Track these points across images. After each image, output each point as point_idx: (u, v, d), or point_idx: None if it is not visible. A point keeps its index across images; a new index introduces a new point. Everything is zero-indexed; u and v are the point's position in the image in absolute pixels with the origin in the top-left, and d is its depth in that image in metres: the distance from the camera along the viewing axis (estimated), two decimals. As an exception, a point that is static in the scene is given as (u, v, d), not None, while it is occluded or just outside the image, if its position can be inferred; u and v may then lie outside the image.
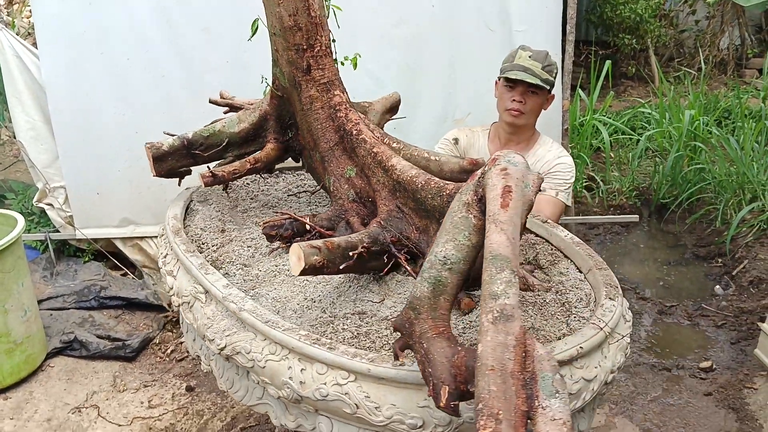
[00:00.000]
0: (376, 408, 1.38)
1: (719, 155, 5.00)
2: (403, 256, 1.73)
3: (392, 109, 2.43)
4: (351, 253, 1.60)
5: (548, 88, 2.72)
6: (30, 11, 8.37)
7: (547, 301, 1.70)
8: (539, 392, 1.05)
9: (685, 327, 3.84)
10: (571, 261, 1.92)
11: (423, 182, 1.70)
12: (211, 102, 2.66)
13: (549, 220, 2.26)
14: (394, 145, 2.03)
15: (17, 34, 3.96)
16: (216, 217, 2.23)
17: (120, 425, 3.02)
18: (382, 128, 2.32)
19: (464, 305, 1.68)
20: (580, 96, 5.51)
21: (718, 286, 4.22)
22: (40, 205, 3.98)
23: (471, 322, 1.63)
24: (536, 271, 1.90)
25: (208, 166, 2.17)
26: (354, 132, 1.96)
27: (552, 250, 2.00)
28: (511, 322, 1.13)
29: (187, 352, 3.48)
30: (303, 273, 1.53)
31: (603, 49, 8.19)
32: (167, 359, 3.47)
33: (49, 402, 3.15)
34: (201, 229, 2.17)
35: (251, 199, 2.41)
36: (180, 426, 2.99)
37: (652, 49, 7.95)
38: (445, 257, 1.31)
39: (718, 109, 6.01)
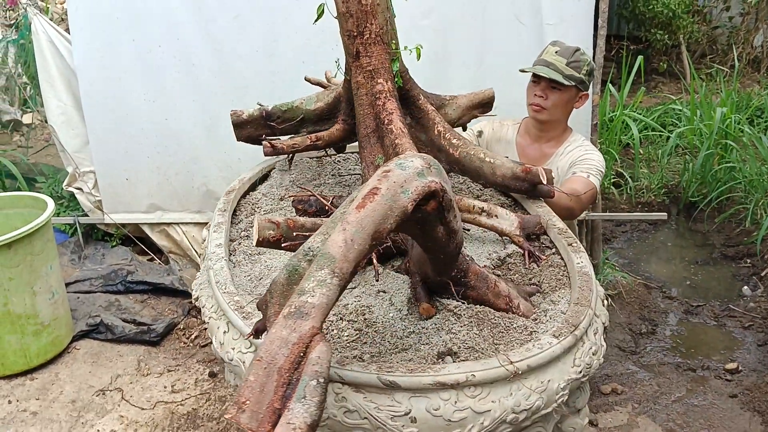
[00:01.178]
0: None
1: (750, 154, 4.92)
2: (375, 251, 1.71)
3: (482, 105, 2.41)
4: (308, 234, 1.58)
5: (573, 84, 2.70)
6: (63, -3, 8.47)
7: (516, 325, 1.66)
8: (293, 394, 1.05)
9: (712, 327, 3.79)
10: (570, 290, 1.87)
11: None
12: (306, 80, 2.90)
13: (573, 209, 2.57)
14: (454, 141, 2.08)
15: (51, 20, 4.00)
16: (285, 186, 2.39)
17: (143, 409, 3.05)
18: (465, 123, 2.38)
19: (422, 310, 1.71)
20: (610, 91, 5.45)
21: (746, 287, 4.16)
22: (70, 189, 4.03)
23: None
24: (536, 294, 1.87)
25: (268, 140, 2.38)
26: (386, 121, 2.00)
27: (561, 275, 1.96)
28: (304, 321, 1.13)
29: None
30: (258, 244, 1.58)
31: (634, 44, 8.09)
32: (191, 345, 3.50)
33: (74, 384, 3.20)
34: (263, 194, 2.43)
35: (332, 175, 2.61)
36: (202, 411, 3.02)
37: (685, 45, 7.82)
38: (309, 248, 1.34)
39: (751, 108, 5.91)
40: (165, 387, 3.20)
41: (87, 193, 3.96)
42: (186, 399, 3.11)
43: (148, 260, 4.09)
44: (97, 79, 3.62)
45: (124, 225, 3.97)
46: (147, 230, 3.97)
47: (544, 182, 2.00)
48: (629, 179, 5.11)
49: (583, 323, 1.57)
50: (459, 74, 3.63)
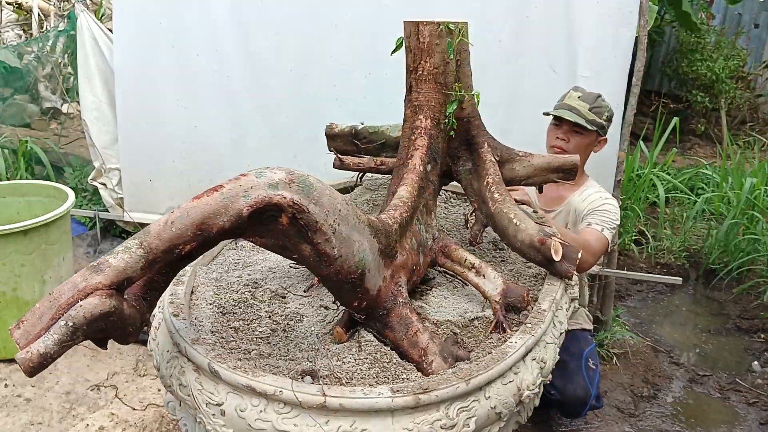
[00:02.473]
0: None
1: (776, 228, 4.85)
2: None
3: (561, 170, 2.29)
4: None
5: (594, 129, 2.76)
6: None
7: (403, 377, 1.63)
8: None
9: (715, 399, 3.72)
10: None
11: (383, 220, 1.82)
12: None
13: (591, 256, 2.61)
14: (496, 195, 2.12)
15: (102, 16, 4.10)
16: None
17: (134, 409, 3.07)
18: (537, 183, 2.34)
19: (335, 333, 1.78)
20: (642, 147, 5.42)
21: (756, 363, 4.08)
22: (94, 183, 4.10)
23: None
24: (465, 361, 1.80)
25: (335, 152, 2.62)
26: (409, 155, 2.07)
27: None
28: (96, 275, 1.27)
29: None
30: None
31: (675, 102, 8.06)
32: None
33: (70, 376, 3.23)
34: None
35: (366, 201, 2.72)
36: (192, 419, 3.03)
37: (725, 110, 7.77)
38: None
39: (783, 181, 5.84)
40: (159, 390, 3.22)
41: (110, 189, 4.03)
42: (177, 405, 3.12)
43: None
44: (134, 79, 3.70)
45: (142, 224, 4.02)
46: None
47: (556, 258, 1.93)
48: (651, 239, 5.06)
49: (437, 392, 1.47)
50: (487, 117, 3.63)
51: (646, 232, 5.10)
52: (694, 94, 7.67)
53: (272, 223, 1.44)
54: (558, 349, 1.82)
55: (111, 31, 3.78)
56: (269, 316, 1.91)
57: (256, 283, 2.12)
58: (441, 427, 1.44)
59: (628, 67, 3.46)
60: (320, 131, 3.71)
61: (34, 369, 1.23)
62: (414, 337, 1.71)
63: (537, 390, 1.65)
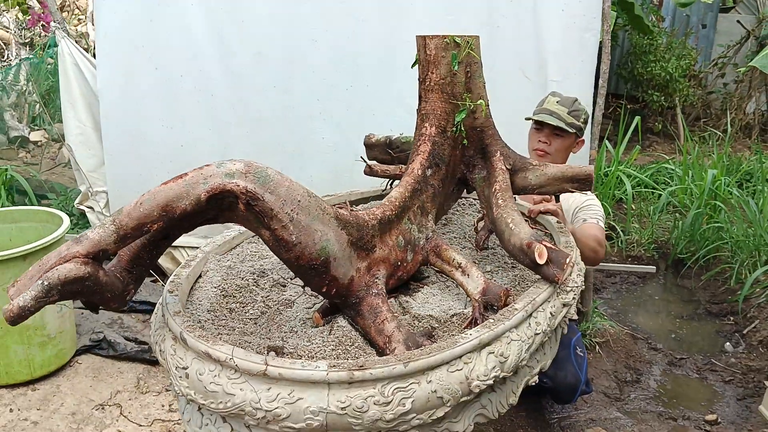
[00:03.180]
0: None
1: (738, 216, 5.10)
2: None
3: (576, 180, 2.29)
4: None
5: (574, 131, 2.95)
6: (78, 20, 8.70)
7: (358, 357, 1.76)
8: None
9: (694, 380, 3.91)
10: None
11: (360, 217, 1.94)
12: None
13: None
14: (500, 201, 2.19)
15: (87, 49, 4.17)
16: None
17: (140, 425, 3.13)
18: (550, 193, 2.37)
19: (314, 317, 1.97)
20: (607, 147, 5.64)
21: (728, 344, 4.29)
22: (81, 207, 4.15)
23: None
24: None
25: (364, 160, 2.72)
26: (412, 160, 2.19)
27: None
28: (76, 245, 1.50)
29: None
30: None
31: (631, 103, 8.35)
32: None
33: (74, 397, 3.28)
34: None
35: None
36: None
37: (680, 107, 8.09)
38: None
39: (740, 171, 6.12)
40: (163, 405, 3.28)
41: (98, 212, 4.08)
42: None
43: (151, 281, 4.19)
44: (118, 102, 3.77)
45: (131, 245, 4.08)
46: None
47: (540, 262, 1.94)
48: (621, 233, 5.27)
49: (372, 371, 1.57)
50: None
51: (616, 227, 5.31)
52: (650, 94, 7.98)
53: (234, 209, 1.63)
54: (532, 350, 1.84)
55: (92, 55, 3.84)
56: (264, 301, 2.09)
57: (263, 272, 2.26)
58: (374, 403, 1.54)
59: (595, 70, 3.66)
60: (305, 144, 3.85)
61: (14, 319, 1.44)
62: (381, 325, 1.82)
63: (490, 381, 1.68)
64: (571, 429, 3.33)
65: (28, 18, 7.63)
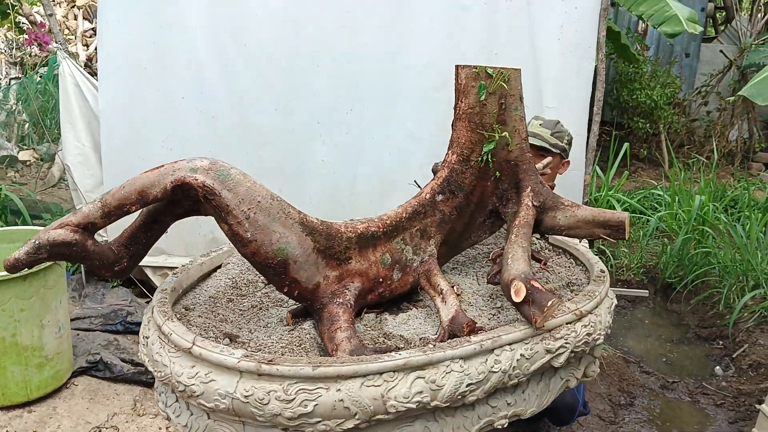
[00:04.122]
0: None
1: (725, 242, 5.19)
2: None
3: (608, 226, 2.18)
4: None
5: (558, 152, 3.04)
6: (68, 40, 8.70)
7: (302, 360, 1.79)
8: None
9: (686, 403, 3.96)
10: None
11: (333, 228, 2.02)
12: None
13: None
14: (512, 236, 2.12)
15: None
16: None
17: (138, 447, 3.12)
18: (580, 236, 2.28)
19: (286, 318, 2.08)
20: (597, 172, 5.73)
21: (718, 367, 4.35)
22: (77, 227, 4.13)
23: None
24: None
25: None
26: (429, 183, 2.25)
27: None
28: (71, 216, 1.76)
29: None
30: None
31: (617, 130, 8.48)
32: None
33: (71, 419, 3.25)
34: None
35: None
36: (198, 452, 3.08)
37: (665, 134, 8.23)
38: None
39: (726, 198, 6.23)
40: (159, 428, 3.26)
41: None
42: (181, 440, 3.18)
43: (146, 302, 4.18)
44: (120, 124, 3.79)
45: (127, 266, 4.07)
46: (149, 273, 4.08)
47: (515, 299, 1.85)
48: (611, 257, 5.34)
49: (279, 367, 1.65)
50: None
51: (606, 251, 5.38)
52: (636, 121, 8.11)
53: (199, 201, 1.83)
54: (486, 388, 1.78)
55: (92, 75, 3.87)
56: (261, 298, 2.21)
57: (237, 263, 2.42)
58: (276, 398, 1.61)
59: (590, 97, 3.74)
60: (305, 166, 3.88)
61: (9, 268, 1.74)
62: (333, 333, 1.88)
63: (412, 405, 1.67)
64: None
65: (24, 37, 7.63)
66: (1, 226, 4.39)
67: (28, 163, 7.16)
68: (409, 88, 3.75)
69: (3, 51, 8.57)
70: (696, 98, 8.96)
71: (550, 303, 1.80)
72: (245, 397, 1.63)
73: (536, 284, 1.85)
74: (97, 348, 3.66)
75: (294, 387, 1.62)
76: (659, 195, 6.24)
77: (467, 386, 1.73)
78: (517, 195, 2.24)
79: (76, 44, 8.28)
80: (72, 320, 3.81)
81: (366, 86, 3.76)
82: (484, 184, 2.24)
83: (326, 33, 3.69)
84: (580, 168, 3.87)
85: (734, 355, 4.41)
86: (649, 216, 5.92)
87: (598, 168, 5.81)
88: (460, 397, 1.73)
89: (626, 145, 5.95)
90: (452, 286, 2.22)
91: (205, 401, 1.69)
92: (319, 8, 3.67)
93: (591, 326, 1.99)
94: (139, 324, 3.86)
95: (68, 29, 8.67)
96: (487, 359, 1.78)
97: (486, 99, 2.10)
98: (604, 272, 2.26)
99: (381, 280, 2.12)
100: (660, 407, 3.90)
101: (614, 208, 5.53)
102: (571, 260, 2.56)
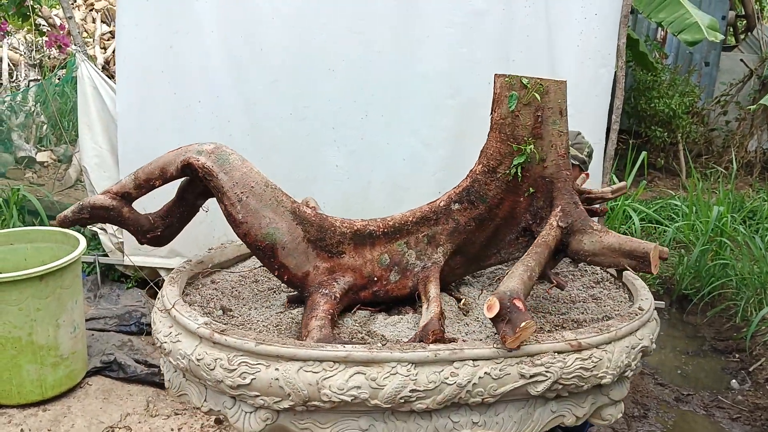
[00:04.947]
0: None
1: (744, 253, 5.14)
2: None
3: (633, 257, 2.03)
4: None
5: (576, 164, 2.97)
6: (86, 43, 8.77)
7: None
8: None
9: (701, 416, 3.92)
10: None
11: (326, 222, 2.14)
12: None
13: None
14: (525, 257, 2.05)
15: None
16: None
17: (150, 448, 3.13)
18: (603, 265, 2.14)
19: (285, 303, 2.23)
20: (614, 181, 5.69)
21: (734, 381, 4.30)
22: (94, 228, 4.16)
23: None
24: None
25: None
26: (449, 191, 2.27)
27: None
28: (113, 186, 2.14)
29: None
30: None
31: (634, 139, 8.43)
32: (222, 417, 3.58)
33: (85, 418, 3.27)
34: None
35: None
36: (208, 455, 3.10)
37: (683, 143, 8.16)
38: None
39: (745, 209, 6.17)
40: (172, 429, 3.27)
41: (110, 234, 4.10)
42: (192, 442, 3.19)
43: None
44: (136, 126, 3.82)
45: (142, 268, 4.09)
46: (164, 274, 4.09)
47: (487, 314, 1.80)
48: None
49: (228, 338, 1.80)
50: (475, 153, 3.83)
51: (622, 261, 5.33)
52: (653, 130, 8.05)
53: (192, 178, 2.09)
54: (438, 399, 1.75)
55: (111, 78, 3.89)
56: (273, 284, 2.39)
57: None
58: (220, 366, 1.75)
59: (609, 105, 3.71)
60: (318, 171, 3.88)
61: (59, 224, 2.11)
62: (308, 320, 1.96)
63: (346, 398, 1.70)
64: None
65: (45, 39, 7.69)
66: (19, 226, 4.43)
67: (45, 164, 7.21)
68: (423, 95, 3.75)
69: (22, 53, 8.65)
70: (715, 107, 8.88)
71: (523, 324, 1.74)
72: (198, 360, 1.80)
73: (518, 304, 1.78)
74: (111, 348, 3.68)
75: (238, 359, 1.75)
76: (676, 205, 6.18)
77: (411, 392, 1.72)
78: (550, 212, 2.16)
79: (93, 47, 8.33)
80: (87, 320, 3.84)
81: (379, 92, 3.76)
82: (515, 199, 2.17)
83: (340, 39, 3.70)
84: (597, 177, 3.85)
85: (751, 369, 4.36)
86: (666, 226, 5.87)
87: (615, 177, 5.77)
88: (402, 401, 1.73)
89: (644, 153, 5.91)
90: (456, 296, 2.23)
91: (172, 359, 1.89)
92: (333, 14, 3.68)
93: (591, 362, 1.86)
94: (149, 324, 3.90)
95: (86, 32, 8.73)
96: (443, 370, 1.75)
97: (519, 110, 2.03)
98: (642, 310, 2.08)
99: (376, 279, 2.15)
100: (674, 420, 3.86)
101: (630, 218, 5.50)
102: (627, 294, 2.40)
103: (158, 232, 2.21)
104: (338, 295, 2.06)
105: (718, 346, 4.74)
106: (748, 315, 4.72)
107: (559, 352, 1.84)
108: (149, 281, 4.17)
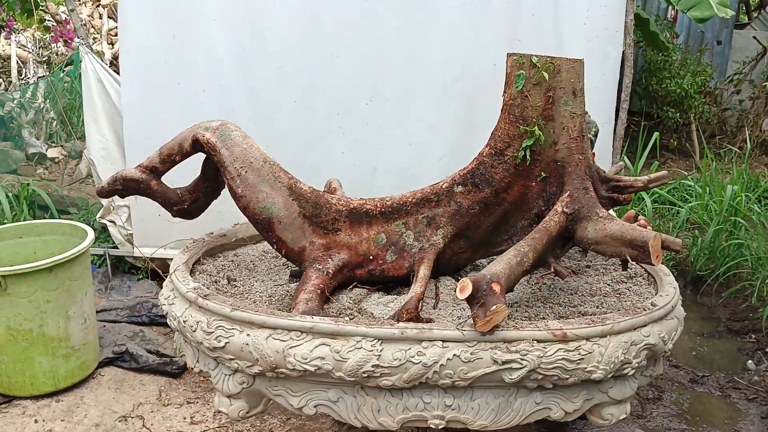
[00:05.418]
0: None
1: (759, 233, 5.07)
2: None
3: (633, 245, 1.94)
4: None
5: None
6: (93, 39, 8.80)
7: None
8: None
9: (716, 397, 3.88)
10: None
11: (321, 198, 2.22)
12: None
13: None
14: (520, 240, 2.03)
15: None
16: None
17: (163, 437, 3.13)
18: (605, 254, 2.08)
19: (289, 277, 2.34)
20: (625, 163, 5.64)
21: (750, 361, 4.25)
22: (103, 221, 4.17)
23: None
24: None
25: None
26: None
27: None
28: (144, 161, 2.34)
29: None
30: None
31: (646, 120, 8.34)
32: (210, 379, 3.59)
33: (98, 408, 3.28)
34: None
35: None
36: (220, 444, 3.10)
37: (695, 124, 8.07)
38: None
39: (760, 188, 6.09)
40: (184, 418, 3.28)
41: (119, 227, 4.11)
42: (204, 431, 3.19)
43: (171, 295, 4.20)
44: (141, 118, 3.81)
45: (152, 259, 4.10)
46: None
47: (459, 296, 1.77)
48: (639, 249, 5.24)
49: (211, 304, 1.94)
50: (483, 137, 3.80)
51: (635, 243, 5.28)
52: (665, 111, 7.95)
53: (204, 154, 2.24)
54: (405, 377, 1.76)
55: (117, 72, 3.89)
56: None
57: None
58: (200, 329, 1.90)
59: (617, 83, 3.66)
60: (325, 159, 3.86)
61: (98, 194, 2.34)
62: (298, 293, 2.03)
63: (309, 368, 1.76)
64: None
65: (50, 35, 7.72)
66: (29, 220, 4.45)
67: (56, 160, 7.24)
68: (429, 80, 3.72)
69: (31, 50, 8.68)
70: (728, 87, 8.76)
71: (494, 307, 1.71)
72: (184, 322, 1.95)
73: (495, 287, 1.75)
74: (122, 339, 3.69)
75: (215, 323, 1.87)
76: (690, 186, 6.11)
77: (375, 367, 1.74)
78: (559, 196, 2.09)
79: (101, 43, 8.35)
80: (98, 312, 3.85)
81: (385, 78, 3.74)
82: (525, 184, 2.11)
83: (345, 25, 3.67)
84: (606, 158, 3.81)
85: (767, 349, 4.31)
86: (679, 207, 5.80)
87: (626, 159, 5.71)
88: (366, 375, 1.75)
89: (656, 134, 5.84)
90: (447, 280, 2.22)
91: (169, 319, 2.05)
92: (338, 0, 3.65)
93: (578, 354, 1.79)
94: (163, 316, 3.90)
95: (93, 28, 8.75)
96: (409, 348, 1.75)
97: (528, 90, 1.97)
98: (654, 306, 2.00)
99: (371, 257, 2.18)
100: (689, 401, 3.82)
101: (642, 200, 5.44)
102: (655, 290, 2.32)
103: (185, 205, 2.34)
104: (331, 271, 2.10)
105: (734, 327, 4.68)
106: (764, 295, 4.66)
107: (539, 341, 1.77)
108: (159, 272, 4.18)
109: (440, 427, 1.85)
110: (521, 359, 1.76)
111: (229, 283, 2.25)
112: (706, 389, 3.95)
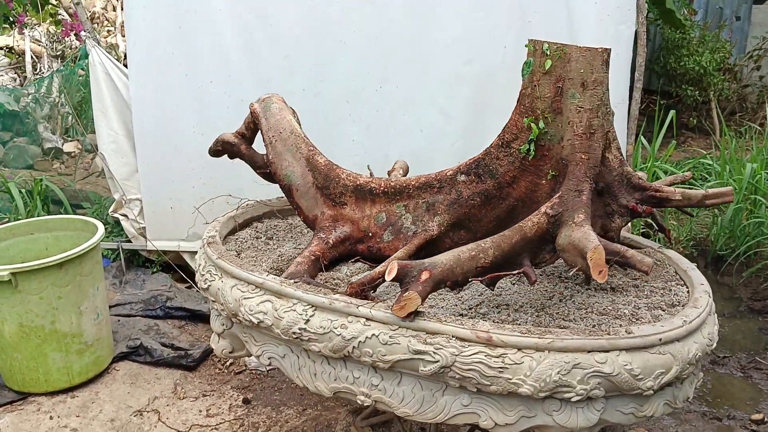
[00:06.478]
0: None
1: (780, 211, 4.97)
2: None
3: (581, 256, 1.78)
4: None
5: None
6: (108, 32, 8.81)
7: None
8: None
9: (738, 378, 3.81)
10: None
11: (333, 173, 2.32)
12: None
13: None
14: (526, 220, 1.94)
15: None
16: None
17: (179, 431, 3.13)
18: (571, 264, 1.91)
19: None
20: (642, 143, 5.55)
21: (773, 341, 4.19)
22: (116, 215, 4.17)
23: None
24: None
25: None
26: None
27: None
28: (238, 128, 2.59)
29: (245, 366, 3.60)
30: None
31: (664, 99, 8.20)
32: (226, 371, 3.59)
33: (113, 403, 3.29)
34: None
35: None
36: (236, 436, 3.10)
37: (715, 101, 7.92)
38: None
39: (781, 166, 5.97)
40: (200, 411, 3.28)
41: (132, 220, 4.10)
42: (220, 423, 3.19)
43: (186, 287, 4.20)
44: (150, 111, 3.80)
45: (165, 252, 4.09)
46: (187, 258, 4.09)
47: (386, 278, 1.76)
48: (659, 230, 5.17)
49: (236, 270, 2.09)
50: (495, 121, 3.74)
51: (653, 225, 5.20)
52: (684, 89, 7.82)
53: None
54: (328, 348, 1.82)
55: (124, 65, 3.87)
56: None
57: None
58: (199, 272, 2.22)
59: (630, 63, 3.59)
60: (335, 146, 3.81)
61: (209, 154, 2.63)
62: (297, 257, 2.17)
63: (252, 319, 1.95)
64: (613, 429, 3.26)
65: (61, 29, 7.73)
66: (43, 215, 4.46)
67: (73, 154, 7.27)
68: (439, 64, 3.66)
69: (45, 45, 8.71)
70: (748, 63, 8.59)
71: (407, 293, 1.67)
72: (197, 264, 2.26)
73: (423, 275, 1.69)
74: (137, 333, 3.69)
75: (207, 268, 2.16)
76: (709, 165, 6.00)
77: (301, 330, 1.85)
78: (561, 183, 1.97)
79: (115, 35, 8.36)
80: (112, 306, 3.86)
81: (394, 63, 3.68)
82: (534, 181, 1.99)
83: (352, 10, 3.62)
84: (621, 139, 3.73)
85: (790, 328, 4.24)
86: (698, 187, 5.71)
87: (643, 138, 5.62)
88: (295, 336, 1.87)
89: (672, 113, 5.72)
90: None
91: (198, 272, 2.24)
92: (344, -16, 3.61)
93: (502, 361, 1.64)
94: (180, 309, 3.92)
95: (107, 21, 8.76)
96: (336, 320, 1.82)
97: (537, 80, 1.86)
98: (629, 333, 1.69)
99: (371, 234, 2.24)
100: (710, 382, 3.76)
101: (659, 179, 5.34)
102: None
103: (268, 170, 2.45)
104: (331, 242, 2.22)
105: (755, 307, 4.60)
106: (786, 274, 4.58)
107: (460, 339, 1.68)
108: (173, 265, 4.17)
109: (365, 404, 1.87)
110: (434, 352, 1.69)
111: (268, 240, 2.51)
112: (727, 370, 3.89)
